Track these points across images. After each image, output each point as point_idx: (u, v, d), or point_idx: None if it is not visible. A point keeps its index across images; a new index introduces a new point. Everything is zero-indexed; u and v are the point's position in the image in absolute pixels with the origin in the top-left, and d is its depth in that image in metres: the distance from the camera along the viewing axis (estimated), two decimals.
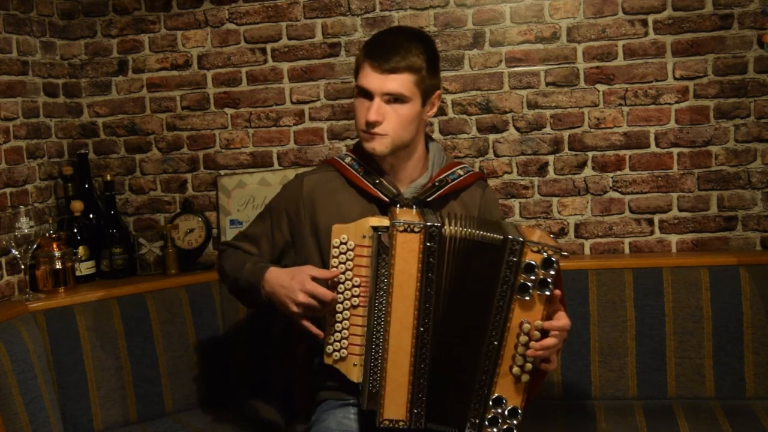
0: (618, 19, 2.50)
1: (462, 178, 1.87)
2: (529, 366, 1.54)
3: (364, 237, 1.65)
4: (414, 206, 1.76)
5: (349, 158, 1.87)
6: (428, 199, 1.81)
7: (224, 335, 2.52)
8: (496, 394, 1.55)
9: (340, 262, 1.68)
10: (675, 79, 2.49)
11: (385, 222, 1.63)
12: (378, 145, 1.75)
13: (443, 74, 2.59)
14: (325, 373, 1.79)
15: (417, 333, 1.59)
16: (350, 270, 1.69)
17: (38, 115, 2.58)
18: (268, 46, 2.70)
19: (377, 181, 1.81)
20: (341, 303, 1.70)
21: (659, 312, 2.32)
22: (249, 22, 2.70)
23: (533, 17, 2.54)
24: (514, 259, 1.50)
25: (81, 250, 2.55)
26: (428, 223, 1.58)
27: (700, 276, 2.32)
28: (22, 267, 2.27)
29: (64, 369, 2.24)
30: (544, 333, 1.54)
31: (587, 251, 2.59)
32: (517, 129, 2.59)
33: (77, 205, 2.58)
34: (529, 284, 1.51)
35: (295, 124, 2.72)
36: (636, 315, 2.33)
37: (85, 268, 2.56)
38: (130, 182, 2.83)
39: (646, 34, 2.49)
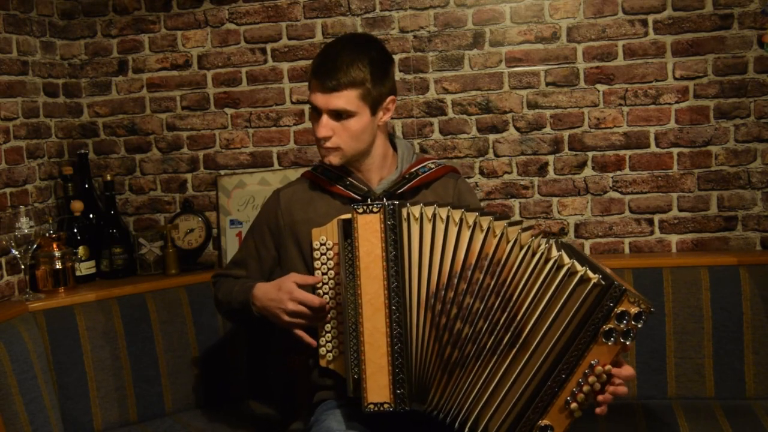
0: (618, 19, 2.50)
1: (433, 170, 1.91)
2: (586, 405, 1.53)
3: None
4: (384, 198, 1.79)
5: (321, 167, 1.92)
6: (398, 192, 1.84)
7: (224, 335, 2.52)
8: (546, 422, 1.53)
9: (322, 263, 1.74)
10: (675, 79, 2.49)
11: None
12: (333, 158, 1.81)
13: (443, 74, 2.60)
14: (323, 373, 1.81)
15: (390, 312, 1.60)
16: (332, 269, 1.72)
17: (38, 115, 2.58)
18: (268, 46, 2.70)
19: (348, 183, 1.86)
20: (328, 303, 1.73)
21: (659, 312, 2.32)
22: (249, 22, 2.70)
23: (533, 17, 2.54)
24: (611, 304, 1.47)
25: (81, 250, 2.55)
26: (386, 202, 1.61)
27: (700, 276, 2.32)
28: (22, 267, 2.27)
29: (64, 369, 2.24)
30: (609, 376, 1.52)
31: (587, 251, 2.59)
32: (517, 129, 2.59)
33: (77, 205, 2.58)
34: (616, 331, 1.48)
35: (295, 124, 2.72)
36: None
37: (85, 268, 2.56)
38: (130, 182, 2.83)
39: (646, 34, 2.49)
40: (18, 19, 2.50)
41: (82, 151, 2.70)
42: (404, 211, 1.62)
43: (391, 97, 1.83)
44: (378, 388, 1.60)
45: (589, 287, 1.48)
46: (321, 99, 1.75)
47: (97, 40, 2.78)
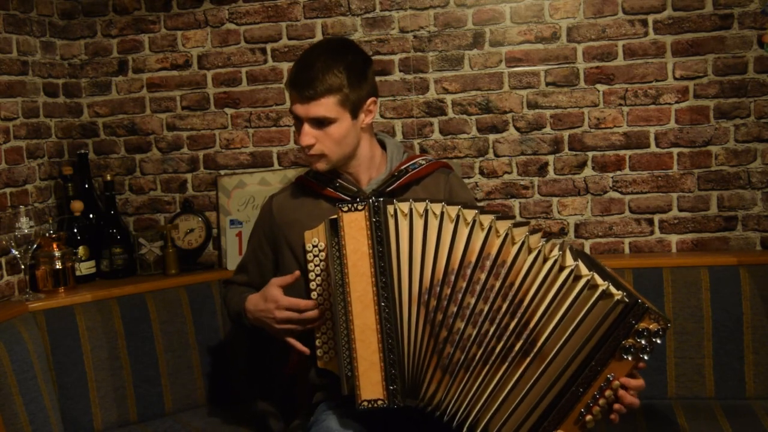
0: (618, 19, 2.50)
1: (423, 166, 1.90)
2: (599, 416, 1.53)
3: None
4: (373, 198, 1.78)
5: (312, 171, 1.92)
6: (388, 189, 1.84)
7: (224, 335, 2.52)
8: None
9: (315, 265, 1.74)
10: (675, 79, 2.49)
11: None
12: (318, 165, 1.83)
13: (443, 74, 2.60)
14: (321, 373, 1.81)
15: (379, 309, 1.59)
16: (324, 270, 1.72)
17: (38, 115, 2.58)
18: (268, 46, 2.70)
19: (338, 184, 1.87)
20: (322, 304, 1.73)
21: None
22: (249, 22, 2.70)
23: (533, 17, 2.54)
24: (633, 321, 1.46)
25: (81, 250, 2.55)
26: (371, 199, 1.61)
27: (700, 276, 2.32)
28: (22, 267, 2.27)
29: (64, 369, 2.24)
30: (623, 388, 1.53)
31: (587, 251, 2.59)
32: (517, 129, 2.59)
33: (77, 205, 2.58)
34: (635, 347, 1.48)
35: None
36: None
37: (85, 268, 2.56)
38: (130, 182, 2.83)
39: (646, 34, 2.49)
40: (18, 19, 2.50)
41: (82, 151, 2.70)
42: (390, 208, 1.61)
43: (371, 99, 1.83)
44: (371, 385, 1.60)
45: (612, 303, 1.46)
46: (300, 109, 1.77)
47: (97, 40, 2.79)
